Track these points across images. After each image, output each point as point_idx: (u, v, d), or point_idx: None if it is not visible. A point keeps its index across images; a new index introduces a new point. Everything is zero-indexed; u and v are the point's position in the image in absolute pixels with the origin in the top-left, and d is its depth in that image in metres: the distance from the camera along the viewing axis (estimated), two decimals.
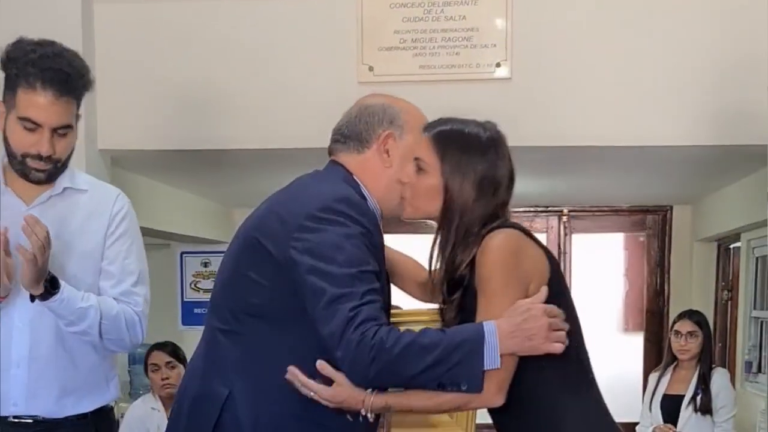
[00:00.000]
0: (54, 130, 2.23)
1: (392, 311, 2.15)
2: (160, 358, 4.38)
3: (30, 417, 2.26)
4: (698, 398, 4.49)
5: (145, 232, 5.18)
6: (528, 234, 2.01)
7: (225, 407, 1.96)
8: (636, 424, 4.84)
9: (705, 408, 4.48)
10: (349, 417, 1.92)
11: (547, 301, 1.91)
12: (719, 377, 4.59)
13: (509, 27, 3.51)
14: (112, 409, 2.43)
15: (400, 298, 2.26)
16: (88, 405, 2.33)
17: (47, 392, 2.27)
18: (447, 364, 1.83)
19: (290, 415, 1.94)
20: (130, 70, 3.67)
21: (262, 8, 3.63)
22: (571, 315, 1.97)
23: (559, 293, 1.97)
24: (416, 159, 2.06)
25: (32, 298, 2.19)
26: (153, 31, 3.67)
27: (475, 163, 2.04)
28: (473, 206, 2.03)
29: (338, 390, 1.88)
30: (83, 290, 2.26)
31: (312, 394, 1.89)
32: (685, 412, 4.52)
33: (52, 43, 2.26)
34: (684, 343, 4.63)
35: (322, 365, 1.88)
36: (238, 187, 5.31)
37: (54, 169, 2.28)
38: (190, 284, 6.31)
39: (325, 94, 3.47)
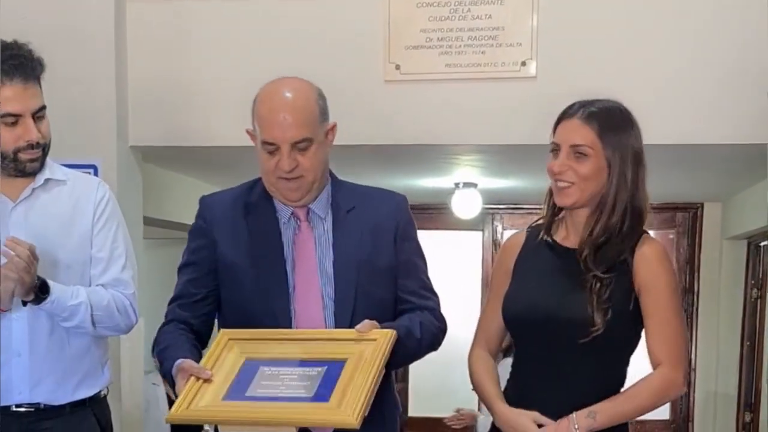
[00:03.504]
0: (33, 116, 2.29)
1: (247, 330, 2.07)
2: None
3: (32, 405, 2.32)
4: None
5: (177, 226, 5.31)
6: None
7: None
8: (663, 420, 4.82)
9: None
10: None
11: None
12: None
13: (535, 26, 3.52)
14: (105, 396, 2.48)
15: None
16: (86, 390, 2.39)
17: (48, 379, 2.32)
18: None
19: None
20: (161, 67, 3.72)
21: (290, 7, 3.66)
22: None
23: None
24: (573, 146, 2.03)
25: (24, 303, 2.25)
26: (184, 30, 3.72)
27: (629, 137, 2.05)
28: (636, 181, 2.03)
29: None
30: (76, 281, 2.33)
31: None
32: None
33: None
34: None
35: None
36: None
37: (44, 154, 2.34)
38: None
39: (352, 93, 3.50)
